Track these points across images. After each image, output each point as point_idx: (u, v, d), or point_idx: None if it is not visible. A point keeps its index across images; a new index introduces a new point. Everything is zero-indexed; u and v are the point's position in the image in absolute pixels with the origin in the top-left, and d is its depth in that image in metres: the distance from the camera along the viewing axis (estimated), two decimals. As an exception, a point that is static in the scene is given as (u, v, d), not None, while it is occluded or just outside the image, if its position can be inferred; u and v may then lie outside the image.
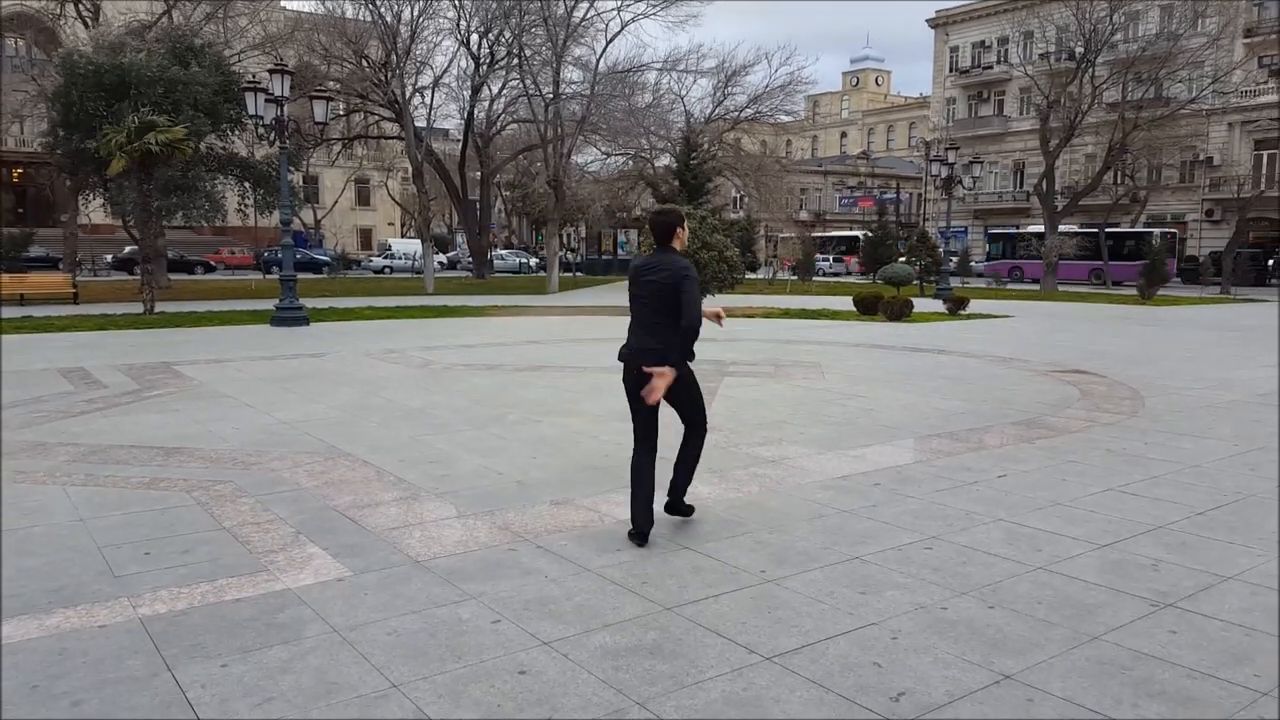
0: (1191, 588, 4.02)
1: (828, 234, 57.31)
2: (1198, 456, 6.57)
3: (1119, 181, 41.76)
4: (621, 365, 4.66)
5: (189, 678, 3.11)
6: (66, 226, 28.45)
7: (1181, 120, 37.48)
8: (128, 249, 39.05)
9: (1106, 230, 39.34)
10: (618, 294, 29.19)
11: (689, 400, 4.76)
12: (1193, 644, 3.44)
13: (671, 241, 4.64)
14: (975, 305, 22.05)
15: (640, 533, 4.55)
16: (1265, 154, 42.67)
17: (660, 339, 4.47)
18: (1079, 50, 34.03)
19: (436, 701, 2.96)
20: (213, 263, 45.73)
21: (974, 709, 2.94)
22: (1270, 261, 39.67)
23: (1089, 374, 10.89)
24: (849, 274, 48.50)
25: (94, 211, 35.26)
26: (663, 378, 4.34)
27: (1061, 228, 39.18)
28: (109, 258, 42.92)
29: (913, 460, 6.45)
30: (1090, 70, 33.26)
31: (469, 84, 35.88)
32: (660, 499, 4.75)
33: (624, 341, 4.67)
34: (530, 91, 32.04)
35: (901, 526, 4.85)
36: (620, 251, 47.51)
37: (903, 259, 33.24)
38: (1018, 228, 46.32)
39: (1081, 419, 8.00)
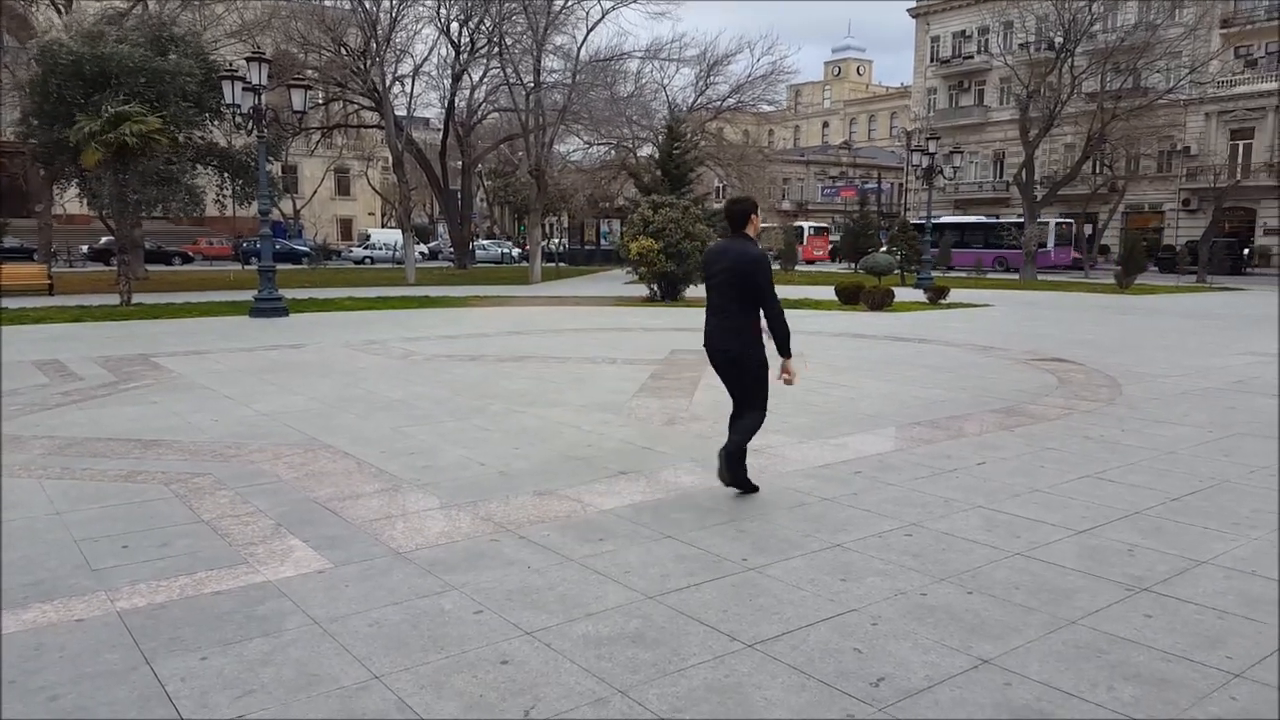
0: (1166, 572, 4.07)
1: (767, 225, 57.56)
2: (1173, 443, 6.65)
3: (1098, 171, 42.07)
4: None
5: (168, 671, 3.09)
6: (41, 217, 28.00)
7: (1159, 110, 37.75)
8: (104, 240, 38.55)
9: (993, 222, 41.11)
10: (601, 284, 29.19)
11: (747, 391, 5.11)
12: (1167, 627, 3.49)
13: (745, 228, 5.03)
14: (956, 295, 22.18)
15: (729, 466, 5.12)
16: (1241, 144, 43.09)
17: (732, 322, 4.93)
18: (1058, 40, 34.18)
19: (418, 692, 2.96)
20: (190, 253, 45.33)
21: (953, 693, 2.97)
22: (1245, 251, 40.13)
23: (1068, 362, 10.98)
24: None
25: (69, 202, 34.78)
26: (788, 374, 5.09)
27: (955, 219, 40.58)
28: (85, 248, 42.36)
29: (894, 448, 6.50)
30: (1069, 60, 33.42)
31: (449, 72, 35.57)
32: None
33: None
34: (511, 80, 31.80)
35: (882, 514, 4.89)
36: (603, 241, 47.23)
37: (884, 249, 33.35)
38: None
39: (1060, 407, 8.08)
